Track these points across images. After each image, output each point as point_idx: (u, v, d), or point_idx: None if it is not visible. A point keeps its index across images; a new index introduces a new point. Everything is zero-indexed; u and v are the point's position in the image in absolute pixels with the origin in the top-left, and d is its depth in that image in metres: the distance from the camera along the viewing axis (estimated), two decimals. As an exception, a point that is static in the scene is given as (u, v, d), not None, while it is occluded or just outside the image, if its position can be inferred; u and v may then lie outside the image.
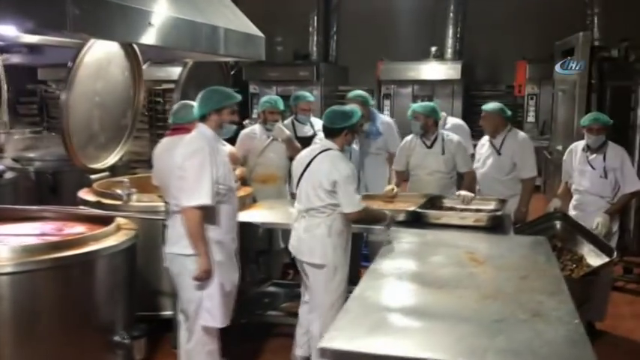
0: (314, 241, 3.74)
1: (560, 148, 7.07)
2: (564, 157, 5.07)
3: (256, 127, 5.52)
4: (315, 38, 12.86)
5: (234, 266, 3.66)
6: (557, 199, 5.07)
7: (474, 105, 11.82)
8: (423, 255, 3.42)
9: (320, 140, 4.08)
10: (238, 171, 5.04)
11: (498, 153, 5.23)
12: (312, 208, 3.74)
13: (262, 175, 5.40)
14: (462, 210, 4.31)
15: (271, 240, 5.14)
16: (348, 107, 4.08)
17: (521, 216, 5.03)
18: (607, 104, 6.42)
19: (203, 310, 3.51)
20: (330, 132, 3.88)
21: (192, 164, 3.40)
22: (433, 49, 11.84)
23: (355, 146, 5.38)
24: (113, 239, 3.58)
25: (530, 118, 11.38)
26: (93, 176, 5.03)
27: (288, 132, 5.36)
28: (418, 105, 5.30)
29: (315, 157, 3.81)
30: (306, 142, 5.92)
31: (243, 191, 4.81)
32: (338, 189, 3.66)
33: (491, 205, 4.53)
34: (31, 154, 6.40)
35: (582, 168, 4.90)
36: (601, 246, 4.38)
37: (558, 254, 4.38)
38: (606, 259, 4.20)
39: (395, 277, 3.04)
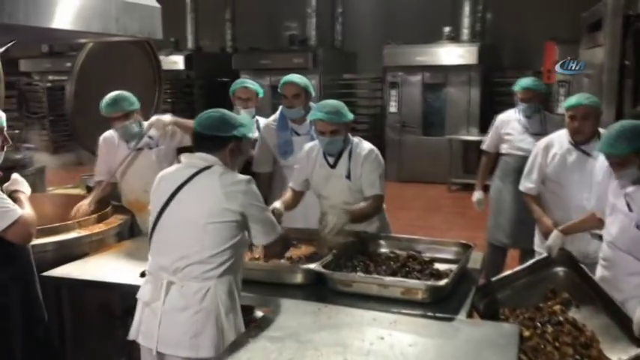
0: (195, 325, 2.30)
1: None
2: (600, 177, 3.20)
3: (114, 132, 3.89)
4: (314, 21, 11.32)
5: None
6: (558, 234, 3.28)
7: (494, 94, 10.19)
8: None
9: (188, 158, 2.53)
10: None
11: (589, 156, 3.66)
12: (192, 262, 2.32)
13: (127, 201, 3.92)
14: (396, 269, 2.74)
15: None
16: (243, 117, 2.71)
17: None
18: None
19: None
20: (206, 142, 2.47)
21: None
22: (447, 29, 10.21)
23: None
24: None
25: (561, 110, 9.56)
26: None
27: (168, 117, 3.84)
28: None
29: (187, 180, 2.39)
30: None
31: (96, 228, 3.37)
32: (251, 214, 2.40)
33: (452, 254, 2.98)
34: None
35: (614, 203, 2.96)
36: (625, 321, 2.78)
37: (554, 333, 2.82)
38: (634, 350, 2.61)
39: None
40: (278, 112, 4.15)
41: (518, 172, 4.47)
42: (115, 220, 3.51)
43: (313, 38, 11.38)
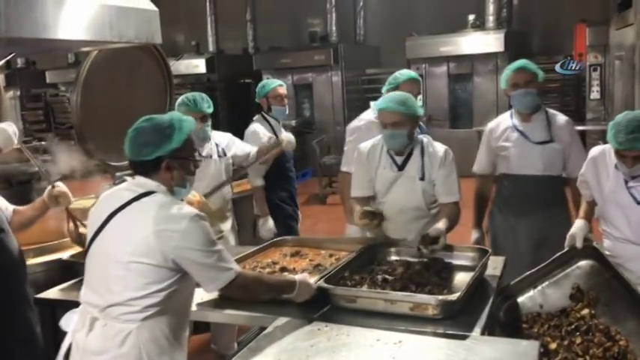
0: None
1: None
2: (583, 169, 3.00)
3: None
4: (334, 16, 11.10)
5: None
6: (582, 221, 2.96)
7: (524, 82, 9.81)
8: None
9: (131, 180, 2.21)
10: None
11: None
12: (113, 303, 2.03)
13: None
14: (406, 282, 2.49)
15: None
16: (172, 116, 2.17)
17: None
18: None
19: None
20: (137, 167, 2.14)
21: None
22: (471, 17, 9.89)
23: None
24: None
25: (595, 94, 9.18)
26: None
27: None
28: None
29: (123, 205, 2.08)
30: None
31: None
32: (188, 260, 2.03)
33: (467, 260, 2.74)
34: None
35: (617, 199, 2.81)
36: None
37: (584, 345, 2.56)
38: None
39: None
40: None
41: (519, 200, 3.47)
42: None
43: (334, 34, 11.16)
